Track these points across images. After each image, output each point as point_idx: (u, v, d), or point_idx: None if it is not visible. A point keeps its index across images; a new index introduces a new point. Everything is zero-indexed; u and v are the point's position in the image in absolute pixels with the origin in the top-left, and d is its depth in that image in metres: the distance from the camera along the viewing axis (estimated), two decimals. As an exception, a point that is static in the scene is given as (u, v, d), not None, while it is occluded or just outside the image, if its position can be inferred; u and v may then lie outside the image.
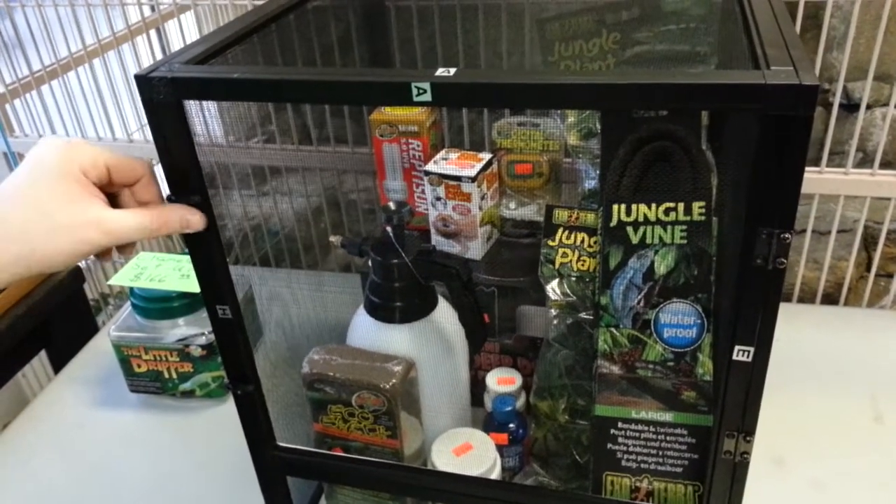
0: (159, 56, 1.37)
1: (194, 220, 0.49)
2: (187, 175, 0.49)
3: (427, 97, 0.41)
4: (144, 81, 0.46)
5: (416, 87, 0.41)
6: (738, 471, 0.49)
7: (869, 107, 1.65)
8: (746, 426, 0.47)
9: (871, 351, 0.96)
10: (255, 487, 0.68)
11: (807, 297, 1.23)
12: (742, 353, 0.44)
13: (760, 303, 0.42)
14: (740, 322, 0.44)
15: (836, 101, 1.03)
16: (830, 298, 1.26)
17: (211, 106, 0.51)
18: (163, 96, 0.45)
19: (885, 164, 1.03)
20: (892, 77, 1.41)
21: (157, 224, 0.47)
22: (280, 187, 1.38)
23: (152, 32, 1.35)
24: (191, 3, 1.21)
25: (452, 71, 0.41)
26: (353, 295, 0.84)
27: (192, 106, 0.48)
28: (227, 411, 0.94)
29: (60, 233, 0.43)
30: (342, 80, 0.42)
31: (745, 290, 0.42)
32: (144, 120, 1.25)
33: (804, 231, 1.12)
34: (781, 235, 0.40)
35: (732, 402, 0.47)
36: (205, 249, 0.53)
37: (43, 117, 1.28)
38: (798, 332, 0.99)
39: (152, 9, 1.30)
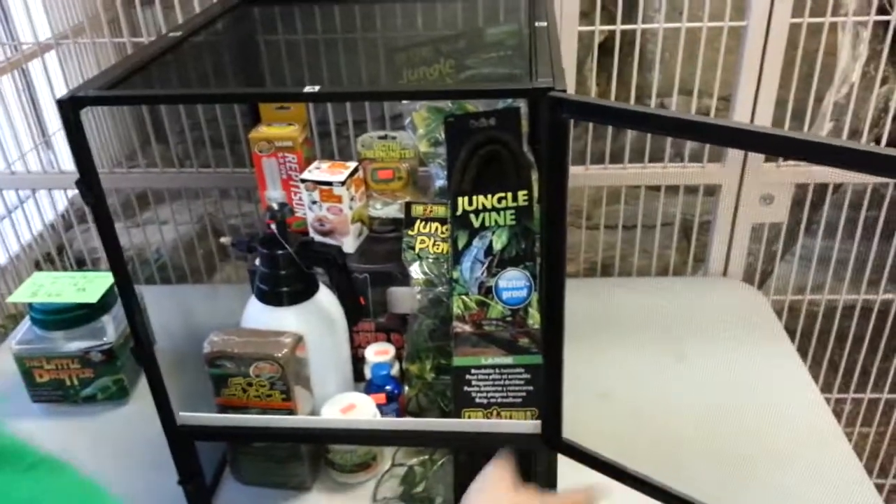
0: (23, 94, 1.43)
1: None
2: (87, 178, 0.60)
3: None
4: (59, 103, 0.57)
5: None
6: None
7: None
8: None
9: (678, 307, 1.19)
10: (165, 475, 0.78)
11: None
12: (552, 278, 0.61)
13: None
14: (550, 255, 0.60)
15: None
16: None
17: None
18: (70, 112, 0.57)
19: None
20: (704, 92, 1.68)
21: None
22: (161, 214, 1.46)
23: (17, 73, 1.40)
24: (53, 43, 1.28)
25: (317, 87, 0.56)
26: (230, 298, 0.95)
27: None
28: (128, 412, 1.02)
29: None
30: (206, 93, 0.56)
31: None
32: (25, 149, 1.30)
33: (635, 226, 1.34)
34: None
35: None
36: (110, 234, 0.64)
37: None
38: (622, 298, 1.22)
39: (15, 49, 1.35)
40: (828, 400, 1.03)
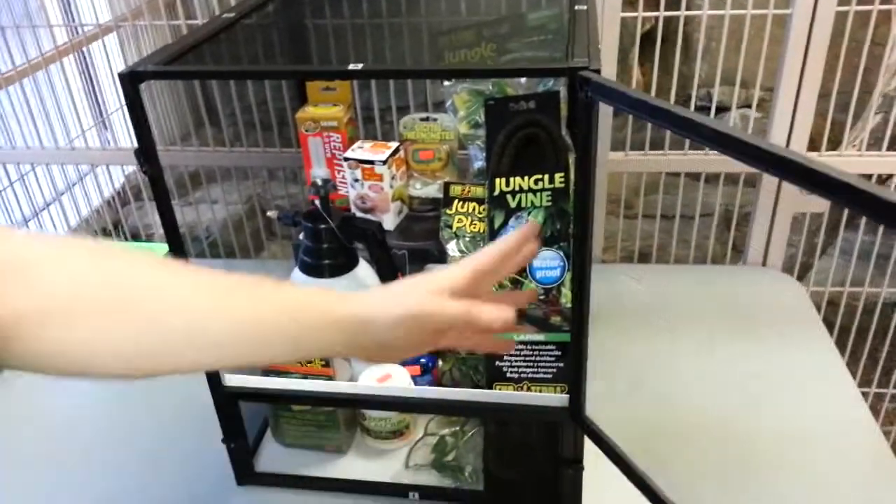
0: (82, 73, 1.50)
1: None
2: (145, 148, 0.65)
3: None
4: (121, 77, 0.62)
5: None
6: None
7: (725, 109, 1.93)
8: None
9: (715, 296, 1.20)
10: (210, 435, 0.83)
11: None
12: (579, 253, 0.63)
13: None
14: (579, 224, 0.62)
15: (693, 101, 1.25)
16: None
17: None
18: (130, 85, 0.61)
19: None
20: (749, 82, 1.67)
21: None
22: (212, 194, 1.52)
23: (77, 54, 1.47)
24: (113, 25, 1.34)
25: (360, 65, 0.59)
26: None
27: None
28: (177, 375, 1.08)
29: None
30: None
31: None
32: (85, 126, 1.36)
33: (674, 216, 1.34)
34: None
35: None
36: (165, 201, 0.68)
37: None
38: (659, 285, 1.22)
39: (76, 31, 1.42)
40: (865, 395, 1.02)
